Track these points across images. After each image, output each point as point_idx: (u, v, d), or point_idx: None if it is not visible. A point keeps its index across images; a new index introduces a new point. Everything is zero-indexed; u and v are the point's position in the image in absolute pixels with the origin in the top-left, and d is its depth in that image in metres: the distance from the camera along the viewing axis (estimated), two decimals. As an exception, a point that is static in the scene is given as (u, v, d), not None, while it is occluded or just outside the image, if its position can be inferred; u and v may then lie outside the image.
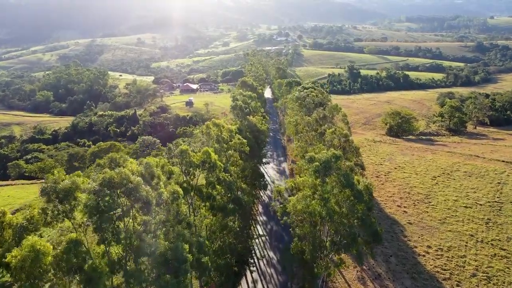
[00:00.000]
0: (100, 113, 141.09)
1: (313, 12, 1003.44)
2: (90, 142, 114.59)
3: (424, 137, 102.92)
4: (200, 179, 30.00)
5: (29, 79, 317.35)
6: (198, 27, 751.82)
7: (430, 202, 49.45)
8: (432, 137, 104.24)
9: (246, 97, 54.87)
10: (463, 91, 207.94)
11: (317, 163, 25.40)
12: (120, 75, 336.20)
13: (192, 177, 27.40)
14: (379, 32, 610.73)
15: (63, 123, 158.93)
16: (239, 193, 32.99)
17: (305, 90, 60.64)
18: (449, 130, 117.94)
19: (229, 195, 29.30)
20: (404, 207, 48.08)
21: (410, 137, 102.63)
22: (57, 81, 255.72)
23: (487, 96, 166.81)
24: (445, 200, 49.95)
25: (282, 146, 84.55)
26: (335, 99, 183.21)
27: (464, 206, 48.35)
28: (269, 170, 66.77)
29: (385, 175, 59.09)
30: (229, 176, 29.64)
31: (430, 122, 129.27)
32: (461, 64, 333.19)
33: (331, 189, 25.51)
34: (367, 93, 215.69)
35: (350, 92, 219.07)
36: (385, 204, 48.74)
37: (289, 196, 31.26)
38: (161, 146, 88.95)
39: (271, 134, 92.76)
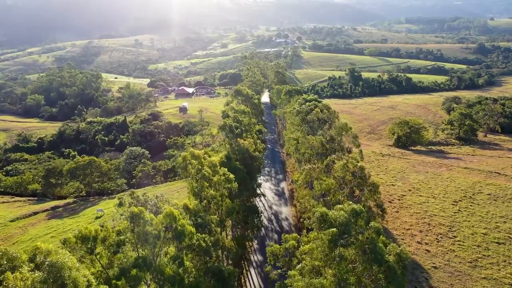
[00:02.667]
0: (89, 119, 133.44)
1: (312, 13, 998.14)
2: (75, 152, 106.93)
3: (434, 148, 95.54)
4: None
5: (22, 82, 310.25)
6: (197, 29, 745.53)
7: (455, 236, 41.95)
8: (443, 148, 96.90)
9: (238, 113, 46.97)
10: (468, 95, 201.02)
11: (334, 229, 17.81)
12: (116, 78, 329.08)
13: (152, 248, 19.74)
14: (379, 34, 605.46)
15: (50, 129, 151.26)
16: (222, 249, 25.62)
17: (307, 103, 52.89)
18: (458, 139, 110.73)
19: (206, 264, 21.86)
20: (426, 243, 40.55)
21: (419, 147, 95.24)
22: (50, 84, 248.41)
23: (495, 100, 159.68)
24: (472, 234, 42.46)
25: (281, 161, 76.68)
26: (337, 104, 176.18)
27: (496, 242, 40.92)
28: (266, 191, 59.10)
29: (399, 200, 51.58)
30: (206, 239, 22.01)
31: (438, 130, 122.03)
32: (463, 66, 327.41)
33: (351, 263, 18.19)
34: (369, 97, 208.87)
35: (352, 96, 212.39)
36: (403, 240, 41.24)
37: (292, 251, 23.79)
38: (147, 160, 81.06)
39: (269, 146, 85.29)
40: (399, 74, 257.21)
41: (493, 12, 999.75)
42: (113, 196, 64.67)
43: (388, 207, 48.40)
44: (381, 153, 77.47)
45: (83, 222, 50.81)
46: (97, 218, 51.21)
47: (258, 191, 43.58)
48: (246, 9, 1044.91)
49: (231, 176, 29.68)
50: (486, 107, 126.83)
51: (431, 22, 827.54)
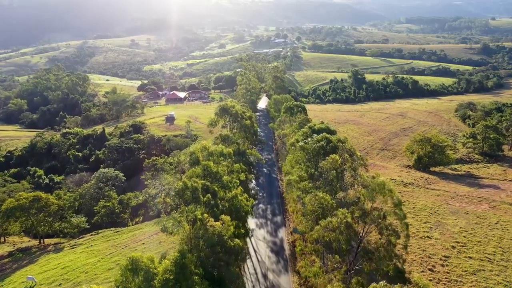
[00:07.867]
0: (64, 131, 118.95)
1: (311, 14, 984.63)
2: (41, 172, 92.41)
3: (458, 168, 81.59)
4: None
5: (9, 84, 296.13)
6: (195, 29, 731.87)
7: None
8: (469, 167, 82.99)
9: (215, 158, 31.59)
10: (480, 99, 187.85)
11: None
12: (107, 80, 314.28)
13: None
14: (380, 34, 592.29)
15: (25, 140, 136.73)
16: None
17: (314, 136, 37.80)
18: (482, 154, 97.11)
19: None
20: None
21: (441, 168, 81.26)
22: (35, 87, 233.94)
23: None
24: None
25: (279, 194, 61.66)
26: (341, 111, 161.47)
27: None
28: (259, 245, 44.79)
29: (443, 265, 37.40)
30: None
31: (457, 143, 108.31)
32: (469, 68, 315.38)
33: None
34: (374, 102, 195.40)
35: (356, 100, 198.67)
36: None
37: None
38: (113, 193, 66.07)
39: (264, 170, 71.14)
40: (405, 76, 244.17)
41: (493, 12, 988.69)
42: (61, 244, 50.33)
43: (431, 279, 34.15)
44: (402, 181, 63.33)
45: (3, 298, 36.66)
46: (24, 290, 37.17)
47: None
48: (245, 9, 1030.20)
49: None
50: (510, 116, 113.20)
51: (432, 22, 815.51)
